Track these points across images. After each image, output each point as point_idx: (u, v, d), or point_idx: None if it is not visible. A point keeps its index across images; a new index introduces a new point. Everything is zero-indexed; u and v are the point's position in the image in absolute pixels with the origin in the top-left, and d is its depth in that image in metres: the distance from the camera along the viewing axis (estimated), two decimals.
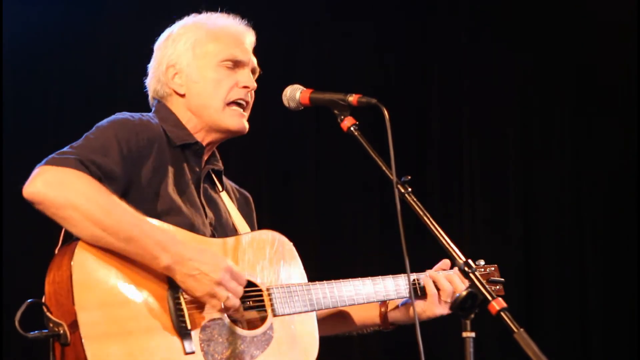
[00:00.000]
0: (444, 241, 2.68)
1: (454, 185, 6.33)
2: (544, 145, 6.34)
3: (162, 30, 3.30)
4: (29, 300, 2.76)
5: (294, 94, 3.07)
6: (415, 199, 2.71)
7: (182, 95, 3.18)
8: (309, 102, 3.05)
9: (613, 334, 6.10)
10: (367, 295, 3.27)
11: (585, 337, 6.16)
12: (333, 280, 3.21)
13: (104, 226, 2.75)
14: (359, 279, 3.28)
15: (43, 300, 2.80)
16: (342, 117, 2.92)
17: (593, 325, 6.15)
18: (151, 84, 3.26)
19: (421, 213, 2.69)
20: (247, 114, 3.21)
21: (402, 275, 3.35)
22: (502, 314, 2.43)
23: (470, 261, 2.58)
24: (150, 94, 3.27)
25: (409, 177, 2.74)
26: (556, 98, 6.32)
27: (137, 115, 3.09)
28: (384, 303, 3.43)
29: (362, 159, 6.00)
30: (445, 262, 3.45)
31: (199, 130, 3.18)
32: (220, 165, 3.27)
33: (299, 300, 3.08)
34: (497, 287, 3.55)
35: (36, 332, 2.74)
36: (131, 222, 2.79)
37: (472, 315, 2.50)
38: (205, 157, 3.22)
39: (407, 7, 6.39)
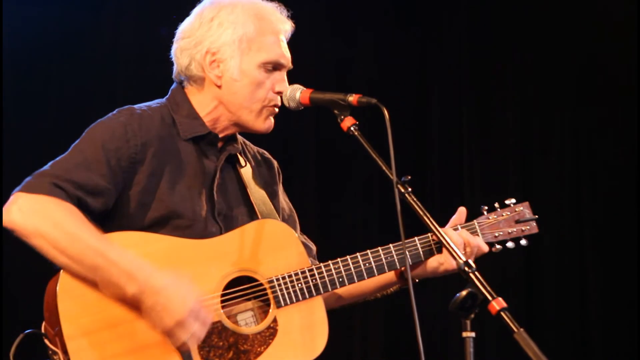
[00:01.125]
0: (444, 241, 2.68)
1: (454, 185, 6.32)
2: (544, 145, 6.33)
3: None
4: (26, 331, 2.80)
5: (294, 94, 3.06)
6: (415, 199, 2.71)
7: (218, 86, 3.08)
8: (309, 102, 3.04)
9: (613, 334, 6.10)
10: (378, 267, 3.13)
11: (585, 337, 6.15)
12: (339, 258, 3.10)
13: (69, 255, 2.75)
14: (368, 251, 3.14)
15: (43, 326, 2.81)
16: (342, 117, 2.91)
17: (593, 325, 6.14)
18: (181, 58, 3.11)
19: (421, 213, 2.70)
20: (276, 111, 3.14)
21: (415, 238, 3.19)
22: (502, 314, 2.43)
23: (470, 261, 2.57)
24: (177, 67, 3.13)
25: (409, 177, 2.73)
26: (556, 98, 6.32)
27: (138, 110, 3.02)
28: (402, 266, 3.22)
29: (362, 159, 6.03)
30: (461, 212, 3.27)
31: (221, 122, 3.11)
32: (237, 147, 3.17)
33: (303, 287, 3.01)
34: (529, 226, 3.37)
35: None
36: (97, 250, 2.75)
37: (472, 315, 2.50)
38: (221, 143, 3.14)
39: (408, 8, 6.39)
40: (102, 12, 5.70)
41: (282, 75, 3.12)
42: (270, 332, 2.94)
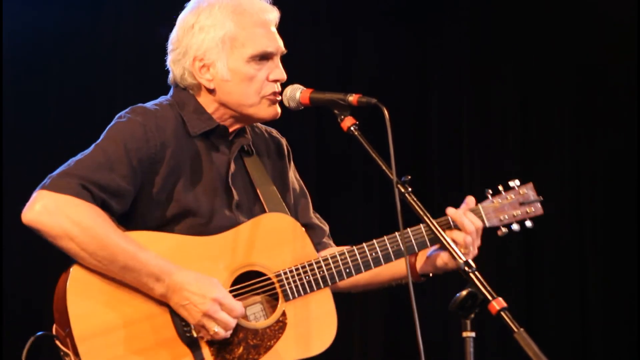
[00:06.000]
0: (444, 241, 2.68)
1: (454, 185, 6.32)
2: (544, 145, 6.33)
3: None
4: (38, 334, 2.81)
5: (294, 93, 3.06)
6: (415, 199, 2.71)
7: (211, 90, 3.07)
8: (309, 102, 3.03)
9: (613, 334, 6.10)
10: (384, 256, 3.08)
11: (585, 337, 6.15)
12: (345, 248, 3.09)
13: (99, 258, 2.79)
14: (374, 240, 3.08)
15: (54, 328, 2.82)
16: (342, 117, 2.91)
17: (593, 325, 6.14)
18: (175, 69, 3.11)
19: (421, 213, 2.70)
20: (279, 99, 3.12)
21: (421, 225, 3.08)
22: (502, 314, 2.43)
23: (470, 261, 2.57)
24: (172, 76, 3.13)
25: (409, 177, 2.73)
26: (556, 98, 6.31)
27: (152, 108, 3.02)
28: (413, 254, 3.16)
29: (362, 159, 6.03)
30: (469, 201, 3.24)
31: (227, 118, 3.11)
32: (248, 138, 3.17)
33: (311, 279, 3.03)
34: (533, 208, 3.32)
35: None
36: (126, 253, 2.80)
37: (472, 315, 2.50)
38: (232, 135, 3.14)
39: (408, 7, 6.38)
40: (102, 12, 5.70)
41: (275, 62, 3.10)
42: (280, 326, 2.97)
